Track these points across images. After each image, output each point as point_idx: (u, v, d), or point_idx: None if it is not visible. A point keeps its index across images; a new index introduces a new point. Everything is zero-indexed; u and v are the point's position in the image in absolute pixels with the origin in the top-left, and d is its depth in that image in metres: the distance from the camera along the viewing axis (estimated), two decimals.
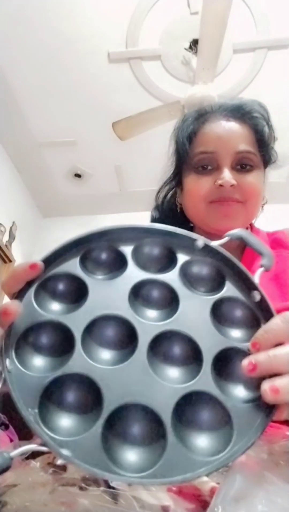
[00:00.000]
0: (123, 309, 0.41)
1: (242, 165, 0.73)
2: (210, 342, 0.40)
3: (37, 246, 3.98)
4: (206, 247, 0.47)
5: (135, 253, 0.46)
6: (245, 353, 0.38)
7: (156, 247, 0.48)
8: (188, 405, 0.37)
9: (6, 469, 0.32)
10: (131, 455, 0.36)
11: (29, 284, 0.41)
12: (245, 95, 2.87)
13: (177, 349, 0.41)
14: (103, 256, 0.46)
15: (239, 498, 0.35)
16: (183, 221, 0.84)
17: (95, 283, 0.43)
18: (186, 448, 0.35)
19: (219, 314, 0.43)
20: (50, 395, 0.36)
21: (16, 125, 3.20)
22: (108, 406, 0.35)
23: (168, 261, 0.47)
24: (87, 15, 2.48)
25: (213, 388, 0.38)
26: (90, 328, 0.40)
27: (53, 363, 0.38)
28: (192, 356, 0.40)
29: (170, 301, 0.43)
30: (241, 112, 0.75)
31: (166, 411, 0.36)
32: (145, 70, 2.80)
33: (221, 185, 0.70)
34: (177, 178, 0.82)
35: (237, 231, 0.48)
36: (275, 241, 0.81)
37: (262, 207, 0.81)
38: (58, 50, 2.67)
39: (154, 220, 0.92)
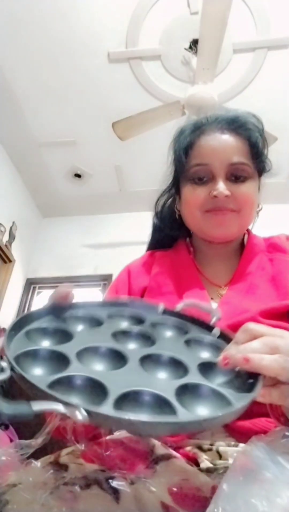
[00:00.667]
0: (109, 342, 0.48)
1: (236, 176, 0.76)
2: (189, 359, 0.47)
3: (37, 246, 3.99)
4: (166, 312, 0.60)
5: (109, 317, 0.55)
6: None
7: (125, 315, 0.58)
8: (186, 393, 0.41)
9: (26, 416, 0.35)
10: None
11: (20, 327, 0.47)
12: (245, 95, 2.88)
13: (163, 363, 0.47)
14: (81, 319, 0.54)
15: (239, 498, 0.35)
16: (181, 227, 0.88)
17: (78, 332, 0.50)
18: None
19: (189, 346, 0.52)
20: (56, 390, 0.38)
21: (16, 125, 3.20)
22: (115, 392, 0.38)
23: (137, 321, 0.57)
24: (87, 15, 2.49)
25: (204, 380, 0.44)
26: (82, 353, 0.44)
27: (52, 371, 0.41)
28: (178, 367, 0.46)
29: (147, 340, 0.51)
30: (235, 125, 0.78)
31: (168, 394, 0.40)
32: (144, 70, 2.80)
33: (215, 196, 0.74)
34: (175, 187, 0.86)
35: (187, 301, 0.59)
36: (271, 245, 0.85)
37: (258, 213, 0.85)
38: (58, 50, 2.68)
39: (154, 226, 0.95)
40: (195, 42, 2.54)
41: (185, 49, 2.64)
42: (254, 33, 2.57)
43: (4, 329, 3.24)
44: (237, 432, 0.57)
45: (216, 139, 0.77)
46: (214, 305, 0.74)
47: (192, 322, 0.57)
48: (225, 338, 0.52)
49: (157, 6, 2.46)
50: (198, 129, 0.80)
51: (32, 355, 0.42)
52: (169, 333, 0.55)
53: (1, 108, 3.05)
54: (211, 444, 0.56)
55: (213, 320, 0.54)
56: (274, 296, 0.72)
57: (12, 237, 3.49)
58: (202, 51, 2.22)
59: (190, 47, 2.62)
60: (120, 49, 2.67)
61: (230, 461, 0.51)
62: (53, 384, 0.37)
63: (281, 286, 0.74)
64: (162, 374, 0.45)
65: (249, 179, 0.77)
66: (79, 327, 0.51)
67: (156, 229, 0.96)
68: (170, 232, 0.91)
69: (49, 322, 0.50)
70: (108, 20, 2.51)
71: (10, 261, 3.45)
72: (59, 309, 0.52)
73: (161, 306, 0.56)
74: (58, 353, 0.43)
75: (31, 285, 3.82)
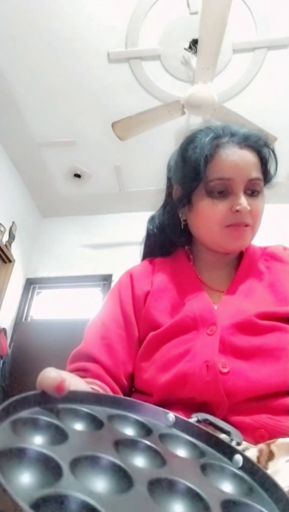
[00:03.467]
0: (110, 454, 0.38)
1: (252, 191, 0.78)
2: (209, 491, 0.38)
3: (36, 246, 3.99)
4: (178, 422, 0.49)
5: (110, 420, 0.46)
6: (249, 505, 0.37)
7: (130, 420, 0.48)
8: None
9: None
10: None
11: (6, 415, 0.39)
12: (245, 95, 2.88)
13: (178, 493, 0.38)
14: (78, 415, 0.45)
15: None
16: (181, 235, 0.88)
17: (74, 431, 0.41)
18: None
19: (206, 473, 0.42)
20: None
21: (15, 126, 3.20)
22: None
23: (144, 430, 0.47)
24: (87, 15, 2.49)
25: None
26: (77, 462, 0.36)
27: (38, 481, 0.33)
28: (196, 500, 0.38)
29: (156, 456, 0.42)
30: (250, 141, 0.79)
31: None
32: (144, 70, 2.80)
33: (237, 211, 0.75)
34: (186, 198, 0.83)
35: (201, 415, 0.50)
36: (268, 254, 0.87)
37: None
38: (57, 50, 2.68)
39: (150, 233, 0.95)
40: (194, 42, 2.54)
41: (185, 49, 2.64)
42: (253, 33, 2.57)
43: (4, 330, 3.25)
44: (238, 428, 0.57)
45: (237, 154, 0.77)
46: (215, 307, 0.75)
47: (208, 440, 0.47)
48: (248, 467, 0.43)
49: (157, 6, 2.46)
50: (215, 139, 0.79)
51: (17, 455, 0.34)
52: (181, 451, 0.45)
53: (1, 108, 3.05)
54: (212, 431, 0.56)
55: (233, 443, 0.46)
56: (272, 302, 0.74)
57: (12, 237, 3.49)
58: (201, 51, 2.22)
59: (190, 47, 2.62)
60: (120, 49, 2.67)
61: (232, 443, 0.51)
62: (38, 503, 0.30)
63: (279, 293, 0.76)
64: (178, 509, 0.36)
65: (261, 193, 0.80)
66: (76, 425, 0.43)
67: (151, 236, 0.95)
68: (169, 242, 0.91)
69: (40, 412, 0.41)
70: (108, 20, 2.51)
71: (10, 261, 3.45)
72: (52, 398, 0.43)
73: (172, 416, 0.49)
74: (49, 458, 0.34)
75: (31, 285, 3.81)
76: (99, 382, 0.66)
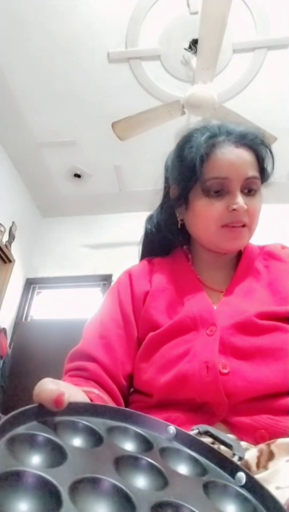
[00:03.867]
0: (110, 474, 0.37)
1: (248, 190, 0.78)
2: None
3: (36, 246, 3.99)
4: (178, 435, 0.47)
5: (109, 432, 0.44)
6: None
7: (130, 433, 0.46)
8: None
9: None
10: None
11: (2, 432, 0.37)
12: (245, 95, 2.88)
13: None
14: (76, 429, 0.43)
15: None
16: (182, 234, 0.88)
17: (73, 449, 0.39)
18: None
19: (208, 493, 0.42)
20: None
21: (15, 126, 3.20)
22: None
23: (144, 443, 0.45)
24: (87, 15, 2.49)
25: None
26: (77, 486, 0.34)
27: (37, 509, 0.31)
28: None
29: (158, 475, 0.41)
30: (247, 139, 0.79)
31: None
32: (144, 70, 2.80)
33: (234, 209, 0.75)
34: (183, 197, 0.83)
35: (202, 427, 0.48)
36: (266, 253, 0.86)
37: None
38: (57, 50, 2.68)
39: (148, 232, 0.94)
40: (194, 42, 2.54)
41: (185, 49, 2.64)
42: (253, 33, 2.57)
43: (4, 330, 3.24)
44: (238, 429, 0.57)
45: (233, 153, 0.77)
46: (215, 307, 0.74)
47: (210, 454, 0.46)
48: (251, 485, 0.41)
49: (157, 6, 2.46)
50: (211, 138, 0.79)
51: (14, 480, 0.32)
52: (183, 468, 0.44)
53: (1, 108, 3.05)
54: (212, 443, 0.56)
55: (235, 458, 0.45)
56: (271, 301, 0.74)
57: (12, 237, 3.49)
58: (201, 51, 2.22)
59: (190, 47, 2.62)
60: (120, 49, 2.67)
61: (234, 458, 0.51)
62: None
63: (278, 292, 0.75)
64: None
65: (258, 192, 0.79)
66: (74, 440, 0.41)
67: (149, 235, 0.94)
68: (167, 241, 0.91)
69: (37, 428, 0.39)
70: (108, 20, 2.51)
71: (10, 261, 3.45)
72: (50, 411, 0.41)
73: (172, 429, 0.46)
74: (48, 483, 0.32)
75: (31, 285, 3.81)
76: (95, 384, 0.66)
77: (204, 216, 0.79)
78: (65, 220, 4.12)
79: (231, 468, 0.44)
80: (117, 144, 2.81)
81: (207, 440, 0.47)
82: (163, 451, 0.44)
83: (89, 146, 3.37)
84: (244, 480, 0.42)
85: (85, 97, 2.98)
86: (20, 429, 0.37)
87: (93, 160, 3.52)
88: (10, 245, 3.46)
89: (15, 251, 3.52)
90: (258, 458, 0.50)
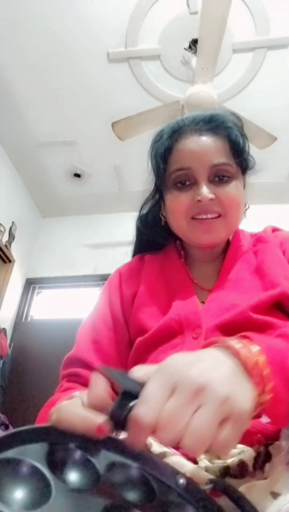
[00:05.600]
0: None
1: (219, 177, 0.74)
2: None
3: (36, 246, 3.99)
4: (190, 488, 0.38)
5: (108, 469, 0.37)
6: None
7: (132, 476, 0.39)
8: None
9: None
10: None
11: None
12: (245, 95, 2.88)
13: None
14: (73, 459, 0.37)
15: None
16: (168, 232, 0.85)
17: (60, 487, 0.33)
18: None
19: None
20: None
21: (15, 125, 3.20)
22: None
23: (146, 490, 0.38)
24: (87, 15, 2.48)
25: None
26: None
27: None
28: None
29: None
30: (213, 124, 0.76)
31: None
32: (144, 70, 2.80)
33: (199, 200, 0.72)
34: (158, 194, 0.84)
35: (223, 482, 0.41)
36: (257, 239, 0.83)
37: (245, 212, 0.83)
38: (57, 50, 2.67)
39: (139, 230, 0.93)
40: (194, 42, 2.53)
41: (185, 49, 2.63)
42: (253, 33, 2.56)
43: (4, 329, 3.24)
44: None
45: (195, 141, 0.75)
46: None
47: None
48: None
49: (156, 5, 2.46)
50: (175, 132, 0.78)
51: None
52: None
53: (1, 108, 3.05)
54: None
55: None
56: (259, 286, 0.71)
57: (11, 237, 3.49)
58: (201, 51, 2.22)
59: (190, 47, 2.61)
60: (119, 49, 2.67)
61: (229, 461, 0.51)
62: None
63: (264, 275, 0.72)
64: None
65: (233, 179, 0.75)
66: (67, 474, 0.35)
67: (140, 233, 0.93)
68: (157, 238, 0.89)
69: (28, 453, 0.34)
70: (107, 20, 2.51)
71: (9, 261, 3.45)
72: (43, 435, 0.36)
73: (182, 479, 0.38)
74: None
75: (30, 285, 3.81)
76: None
77: (173, 209, 0.77)
78: (65, 220, 4.12)
79: None
80: (117, 144, 2.81)
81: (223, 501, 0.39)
82: (165, 505, 0.37)
83: (89, 146, 3.37)
84: None
85: (85, 97, 2.98)
86: (9, 453, 0.33)
87: (93, 160, 3.52)
88: (10, 245, 3.46)
89: (15, 251, 3.52)
90: (255, 459, 0.50)
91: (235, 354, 0.39)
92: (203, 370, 0.35)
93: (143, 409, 0.33)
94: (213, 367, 0.36)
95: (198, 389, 0.33)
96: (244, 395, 0.36)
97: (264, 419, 0.53)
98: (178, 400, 0.33)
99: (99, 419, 0.35)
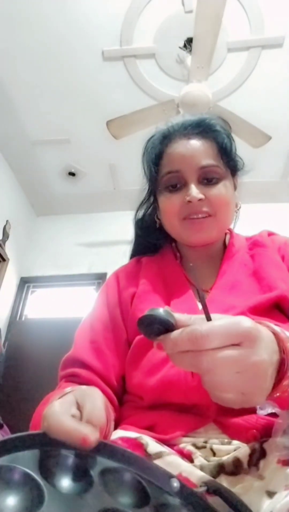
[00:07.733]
0: None
1: (207, 179, 0.77)
2: None
3: (31, 244, 3.97)
4: (183, 490, 0.39)
5: (103, 475, 0.37)
6: None
7: (126, 480, 0.39)
8: None
9: None
10: None
11: None
12: (239, 94, 2.88)
13: None
14: (67, 467, 0.37)
15: None
16: (164, 234, 0.88)
17: (53, 491, 0.33)
18: None
19: None
20: None
21: (9, 124, 3.18)
22: None
23: (140, 495, 0.38)
24: (81, 13, 2.48)
25: None
26: None
27: None
28: None
29: None
30: (201, 128, 0.80)
31: None
32: (139, 69, 2.80)
33: (189, 201, 0.75)
34: (152, 198, 0.88)
35: (216, 484, 0.43)
36: (253, 243, 0.86)
37: (236, 212, 0.86)
38: (51, 48, 2.66)
39: (137, 234, 0.95)
40: (189, 41, 2.54)
41: (180, 47, 2.64)
42: (248, 32, 2.57)
43: None
44: (229, 429, 0.57)
45: (183, 144, 0.78)
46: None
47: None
48: None
49: (151, 4, 2.45)
50: (166, 138, 0.82)
51: None
52: None
53: None
54: (205, 442, 0.56)
55: None
56: (257, 290, 0.73)
57: (6, 235, 3.48)
58: (196, 50, 2.23)
59: (184, 46, 2.62)
60: (114, 47, 2.66)
61: (223, 458, 0.52)
62: None
63: (262, 279, 0.74)
64: None
65: (222, 180, 0.78)
66: (60, 480, 0.35)
67: (137, 236, 0.95)
68: (154, 240, 0.91)
69: (23, 459, 0.34)
70: (102, 18, 2.51)
71: (4, 260, 3.44)
72: (47, 442, 0.36)
73: (176, 482, 0.39)
74: None
75: (25, 284, 3.80)
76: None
77: (166, 211, 0.81)
78: (60, 219, 4.11)
79: None
80: (112, 142, 2.80)
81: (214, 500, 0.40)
82: (160, 508, 0.37)
83: (84, 144, 3.36)
84: None
85: (80, 95, 2.97)
86: (1, 460, 0.33)
87: (88, 159, 3.51)
88: (4, 243, 3.44)
89: (9, 249, 3.51)
90: (250, 456, 0.50)
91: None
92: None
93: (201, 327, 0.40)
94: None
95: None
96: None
97: (260, 411, 0.54)
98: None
99: (85, 430, 0.35)
